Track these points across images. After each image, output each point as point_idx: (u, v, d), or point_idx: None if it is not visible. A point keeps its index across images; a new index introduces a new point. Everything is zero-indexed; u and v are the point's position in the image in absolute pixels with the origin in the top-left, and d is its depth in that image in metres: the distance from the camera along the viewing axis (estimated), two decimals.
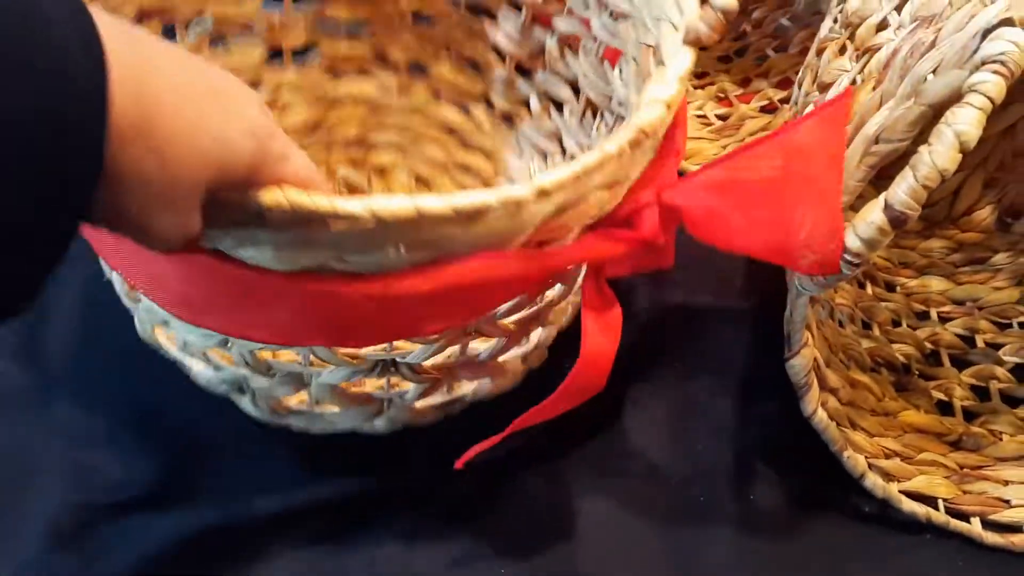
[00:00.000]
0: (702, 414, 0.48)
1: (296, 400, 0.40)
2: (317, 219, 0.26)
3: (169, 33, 0.47)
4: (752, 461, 0.46)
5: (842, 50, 0.43)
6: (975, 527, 0.45)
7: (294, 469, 0.42)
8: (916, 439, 0.48)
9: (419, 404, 0.40)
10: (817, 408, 0.42)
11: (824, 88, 0.43)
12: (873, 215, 0.30)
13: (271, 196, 0.26)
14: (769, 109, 0.69)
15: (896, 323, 0.55)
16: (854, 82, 0.40)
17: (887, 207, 0.30)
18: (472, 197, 0.27)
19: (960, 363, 0.54)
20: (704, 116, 0.69)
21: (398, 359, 0.38)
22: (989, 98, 0.29)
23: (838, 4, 0.46)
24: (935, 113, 0.32)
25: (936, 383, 0.52)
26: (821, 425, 0.42)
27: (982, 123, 0.29)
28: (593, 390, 0.37)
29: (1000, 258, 0.59)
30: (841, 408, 0.45)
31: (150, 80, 0.23)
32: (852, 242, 0.31)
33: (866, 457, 0.45)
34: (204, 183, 0.25)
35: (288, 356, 0.40)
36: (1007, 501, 0.47)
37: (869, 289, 0.56)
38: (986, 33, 0.31)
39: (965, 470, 0.48)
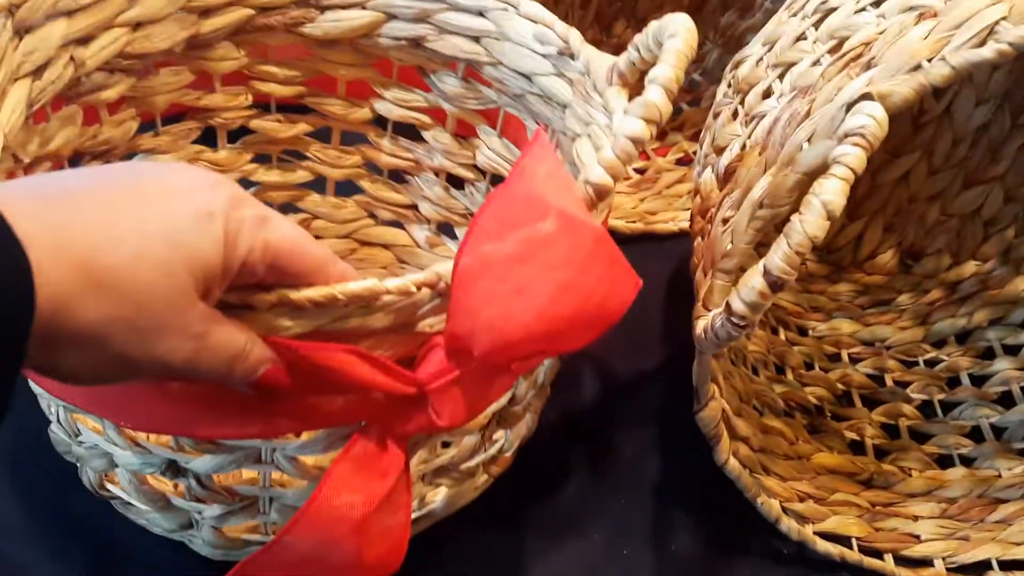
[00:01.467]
0: (625, 468, 0.50)
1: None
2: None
3: None
4: (672, 512, 0.48)
5: (735, 115, 0.46)
6: (888, 564, 0.47)
7: None
8: (829, 480, 0.50)
9: None
10: (729, 457, 0.44)
11: (719, 151, 0.45)
12: (754, 280, 0.33)
13: None
14: (684, 161, 0.73)
15: (809, 366, 0.58)
16: (743, 147, 0.42)
17: (766, 272, 0.32)
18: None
19: (870, 402, 0.57)
20: None
21: None
22: (851, 169, 0.32)
23: (731, 70, 0.49)
24: (810, 180, 0.34)
25: (848, 423, 0.55)
26: (734, 473, 0.44)
27: (846, 192, 0.32)
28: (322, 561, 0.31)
29: (904, 299, 0.62)
30: (753, 455, 0.47)
31: (73, 242, 0.23)
32: (737, 306, 0.33)
33: (780, 502, 0.47)
34: (189, 294, 0.25)
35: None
36: (917, 536, 0.49)
37: (782, 335, 0.59)
38: (849, 107, 0.33)
39: (877, 508, 0.50)
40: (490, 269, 0.28)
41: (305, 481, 0.35)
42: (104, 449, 0.37)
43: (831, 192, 0.31)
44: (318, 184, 0.56)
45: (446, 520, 0.44)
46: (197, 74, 0.49)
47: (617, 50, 0.77)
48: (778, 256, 0.32)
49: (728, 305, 0.34)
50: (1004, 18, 0.33)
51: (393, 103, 0.52)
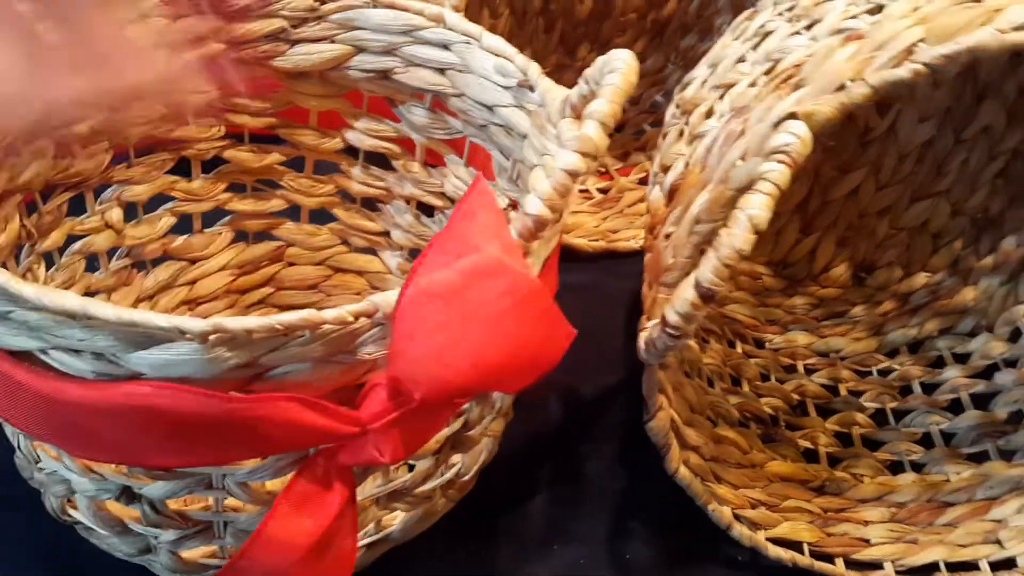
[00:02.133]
0: (587, 483, 0.49)
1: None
2: None
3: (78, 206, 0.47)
4: (629, 523, 0.47)
5: (680, 134, 0.45)
6: (839, 567, 0.46)
7: None
8: (781, 487, 0.49)
9: None
10: (679, 466, 0.43)
11: (665, 170, 0.44)
12: (686, 293, 0.32)
13: None
14: (647, 180, 0.72)
15: (765, 377, 0.57)
16: (686, 165, 0.42)
17: (697, 284, 0.31)
18: (147, 317, 0.26)
19: (824, 411, 0.56)
20: (586, 190, 0.71)
21: None
22: (776, 185, 0.31)
23: (679, 91, 0.48)
24: (742, 196, 0.33)
25: (802, 432, 0.54)
26: (685, 481, 0.43)
27: (771, 207, 0.31)
28: None
29: (858, 311, 0.61)
30: (705, 464, 0.45)
31: None
32: (671, 317, 0.32)
33: (732, 509, 0.45)
34: None
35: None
36: (867, 540, 0.48)
37: (739, 347, 0.58)
38: (776, 125, 0.33)
39: (828, 513, 0.49)
40: (428, 307, 0.27)
41: (257, 506, 0.34)
42: (62, 476, 0.36)
43: (756, 207, 0.31)
44: (293, 212, 0.55)
45: (412, 541, 0.43)
46: (169, 107, 0.48)
47: (581, 73, 0.76)
48: (708, 269, 0.31)
49: (663, 317, 0.33)
50: (922, 40, 0.33)
51: (364, 133, 0.51)
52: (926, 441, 0.54)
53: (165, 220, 0.51)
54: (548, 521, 0.47)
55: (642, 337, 0.36)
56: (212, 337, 0.27)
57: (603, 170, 0.74)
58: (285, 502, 0.29)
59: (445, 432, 0.37)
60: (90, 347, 0.28)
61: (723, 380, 0.54)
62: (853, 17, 0.38)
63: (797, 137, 0.31)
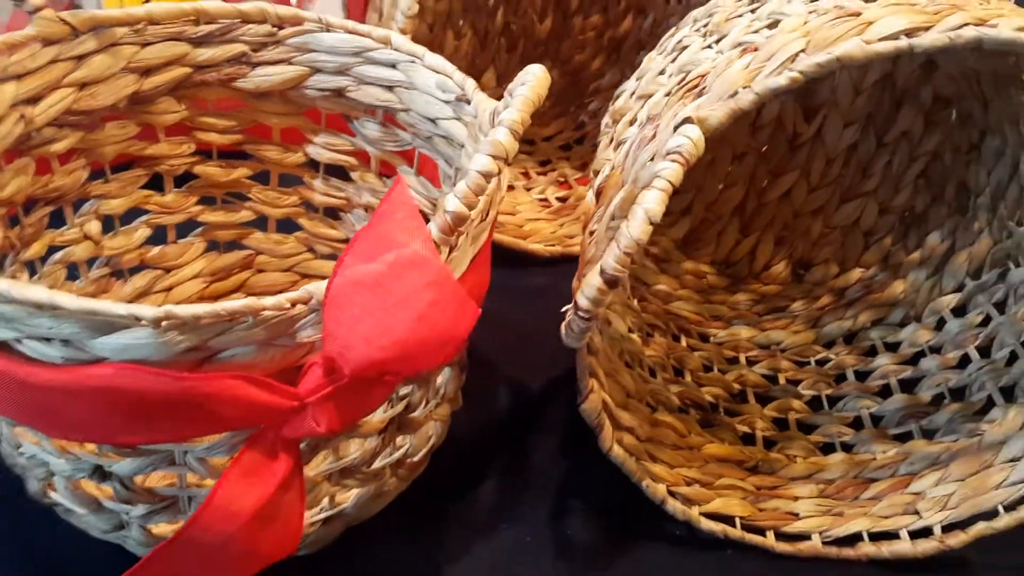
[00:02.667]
0: (532, 468, 0.52)
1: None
2: None
3: (58, 219, 0.51)
4: (570, 503, 0.50)
5: (610, 142, 0.49)
6: (769, 539, 0.49)
7: None
8: (716, 467, 0.52)
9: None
10: (613, 445, 0.46)
11: (596, 174, 0.48)
12: (593, 279, 0.35)
13: None
14: None
15: (708, 368, 0.60)
16: (612, 169, 0.45)
17: (602, 272, 0.35)
18: (106, 305, 0.30)
19: (764, 400, 0.59)
20: (545, 199, 0.75)
21: None
22: (670, 181, 0.34)
23: (612, 102, 0.52)
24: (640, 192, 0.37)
25: (740, 418, 0.57)
26: (619, 459, 0.46)
27: (664, 200, 0.34)
28: (227, 568, 0.34)
29: (797, 306, 0.65)
30: (639, 444, 0.49)
31: None
32: (582, 302, 0.36)
33: (667, 486, 0.49)
34: None
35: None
36: (796, 514, 0.51)
37: (683, 341, 0.61)
38: (676, 129, 0.36)
39: (761, 491, 0.52)
40: (355, 294, 0.31)
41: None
42: (41, 459, 0.39)
43: (651, 201, 0.34)
44: (260, 223, 0.58)
45: (370, 521, 0.46)
46: (142, 126, 0.52)
47: None
48: (611, 257, 0.35)
49: (575, 302, 0.36)
50: (803, 50, 0.36)
51: (323, 147, 0.55)
52: (857, 424, 0.57)
53: (141, 232, 0.55)
54: (495, 504, 0.50)
55: (563, 323, 0.39)
56: (164, 323, 0.30)
57: (562, 180, 0.78)
58: (233, 472, 0.32)
59: (390, 413, 0.40)
60: (58, 335, 0.31)
61: (666, 371, 0.57)
62: (754, 32, 0.41)
63: (690, 139, 0.35)
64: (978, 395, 0.54)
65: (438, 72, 0.47)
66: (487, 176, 0.33)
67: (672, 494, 0.49)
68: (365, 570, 0.46)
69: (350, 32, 0.49)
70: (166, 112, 0.52)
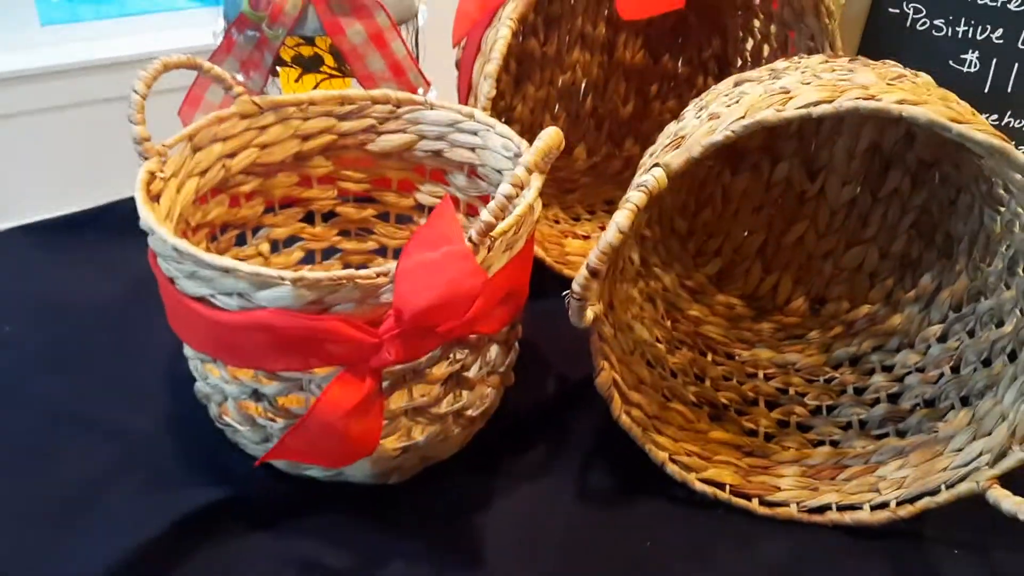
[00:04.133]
0: (567, 435, 0.66)
1: None
2: None
3: (241, 239, 0.70)
4: (595, 461, 0.64)
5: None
6: (753, 504, 0.61)
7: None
8: (716, 447, 0.65)
9: (384, 442, 0.58)
10: (621, 414, 0.59)
11: None
12: (582, 270, 0.50)
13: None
14: None
15: (727, 379, 0.72)
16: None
17: (587, 265, 0.50)
18: (265, 270, 0.47)
19: (772, 405, 0.70)
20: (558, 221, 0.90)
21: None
22: (636, 204, 0.49)
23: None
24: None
25: (747, 417, 0.69)
26: (626, 426, 0.60)
27: (632, 219, 0.49)
28: (329, 452, 0.50)
29: (813, 334, 0.76)
30: (647, 419, 0.62)
31: None
32: (574, 286, 0.51)
33: (669, 454, 0.62)
34: None
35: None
36: (779, 488, 0.62)
37: (709, 357, 0.74)
38: (649, 169, 0.51)
39: (753, 469, 0.64)
40: (414, 270, 0.47)
41: None
42: (220, 386, 0.57)
43: (621, 217, 0.49)
44: (382, 251, 0.76)
45: (439, 465, 0.62)
46: (301, 176, 0.71)
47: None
48: (593, 255, 0.50)
49: (572, 287, 0.51)
50: (741, 117, 0.51)
51: (427, 194, 0.73)
52: (848, 427, 0.68)
53: (296, 253, 0.74)
54: (540, 460, 0.64)
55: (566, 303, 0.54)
56: (298, 283, 0.47)
57: None
58: (336, 383, 0.49)
59: (448, 370, 0.56)
60: (235, 290, 0.49)
61: (687, 376, 0.70)
62: (724, 106, 0.56)
63: (654, 177, 0.50)
64: (944, 403, 0.64)
65: (504, 137, 0.64)
66: (508, 197, 0.49)
67: (673, 461, 0.61)
68: (439, 500, 0.61)
69: (446, 109, 0.67)
70: (318, 167, 0.71)
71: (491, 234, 0.49)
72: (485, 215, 0.49)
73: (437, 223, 0.48)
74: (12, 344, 0.73)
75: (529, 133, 0.93)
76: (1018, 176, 0.47)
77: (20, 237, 0.87)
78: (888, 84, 0.52)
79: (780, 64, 0.60)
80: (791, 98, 0.50)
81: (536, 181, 0.56)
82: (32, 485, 0.60)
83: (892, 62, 0.59)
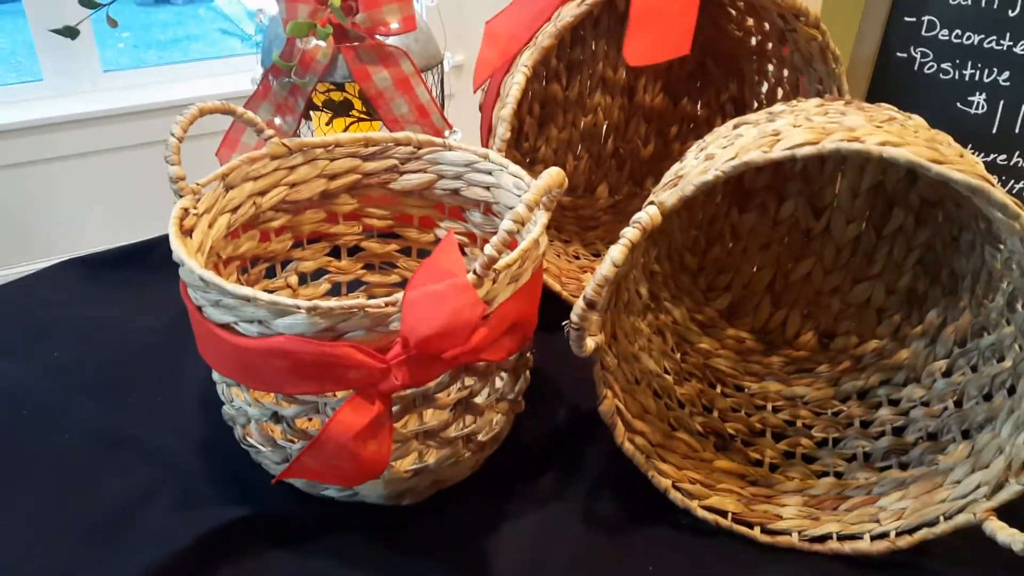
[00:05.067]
0: (576, 462, 0.68)
1: None
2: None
3: (271, 272, 0.74)
4: (603, 489, 0.65)
5: None
6: (755, 532, 0.62)
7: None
8: (720, 476, 0.66)
9: (396, 465, 0.61)
10: (624, 440, 0.61)
11: None
12: (580, 302, 0.52)
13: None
14: None
15: (736, 411, 0.74)
16: None
17: (584, 297, 0.52)
18: (281, 299, 0.50)
19: (779, 437, 0.71)
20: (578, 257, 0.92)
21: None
22: (630, 240, 0.51)
23: None
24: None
25: (753, 447, 0.70)
26: (629, 452, 0.61)
27: (625, 253, 0.51)
28: (341, 471, 0.53)
29: (822, 368, 0.77)
30: (651, 447, 0.63)
31: None
32: (573, 317, 0.53)
33: (672, 481, 0.63)
34: None
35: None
36: (780, 516, 0.63)
37: (718, 389, 0.75)
38: (645, 206, 0.53)
39: (756, 498, 0.65)
40: (420, 300, 0.50)
41: None
42: (243, 409, 0.60)
43: (616, 252, 0.51)
44: (405, 284, 0.79)
45: (451, 488, 0.64)
46: (328, 213, 0.75)
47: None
48: (590, 287, 0.52)
49: (570, 317, 0.53)
50: (732, 158, 0.53)
51: (447, 230, 0.76)
52: (852, 459, 0.68)
53: (324, 286, 0.77)
54: (549, 486, 0.66)
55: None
56: (312, 311, 0.50)
57: None
58: (347, 405, 0.52)
59: (456, 396, 0.58)
60: (255, 317, 0.52)
61: (695, 407, 0.72)
62: (722, 147, 0.58)
63: (648, 214, 0.52)
64: (946, 436, 0.65)
65: (516, 176, 0.66)
66: (510, 232, 0.51)
67: (677, 488, 0.63)
68: (450, 522, 0.63)
69: (463, 151, 0.70)
70: (344, 204, 0.75)
71: (495, 267, 0.52)
72: (488, 249, 0.51)
73: (441, 257, 0.50)
74: (61, 369, 0.78)
75: None
76: (999, 214, 0.48)
77: (74, 269, 0.92)
78: (875, 126, 0.53)
79: (778, 107, 0.62)
80: (779, 140, 0.52)
81: (541, 218, 0.59)
82: (74, 503, 0.64)
83: (887, 105, 0.61)
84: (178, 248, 0.55)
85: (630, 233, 0.52)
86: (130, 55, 3.90)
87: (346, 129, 0.88)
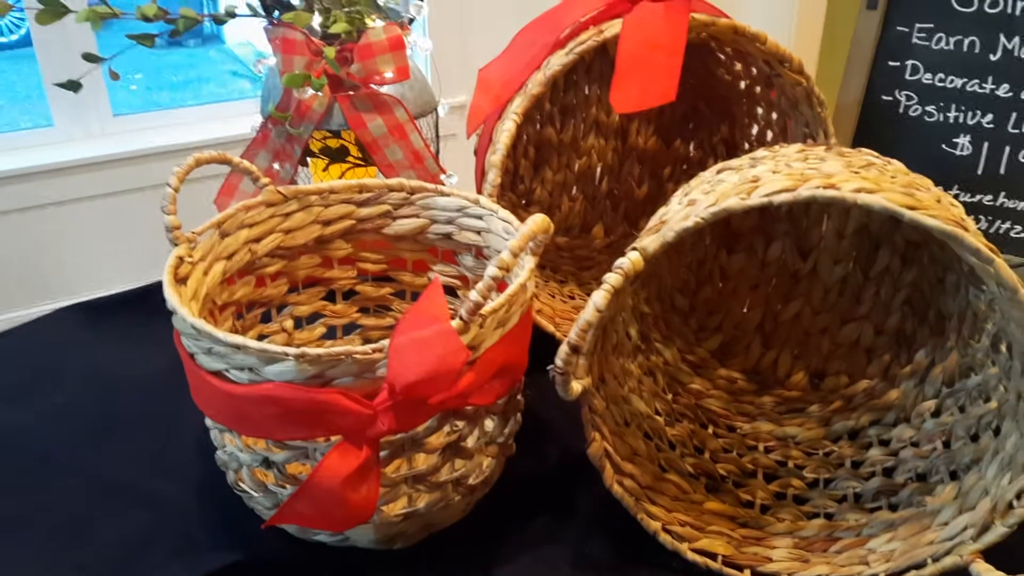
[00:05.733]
0: (567, 504, 0.68)
1: None
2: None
3: (267, 317, 0.75)
4: (594, 532, 0.65)
5: None
6: (745, 574, 0.62)
7: None
8: (711, 518, 0.66)
9: (386, 509, 0.61)
10: (613, 483, 0.61)
11: None
12: (564, 346, 0.53)
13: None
14: None
15: (727, 451, 0.74)
16: None
17: (567, 341, 0.53)
18: (271, 347, 0.51)
19: (770, 478, 0.71)
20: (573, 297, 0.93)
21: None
22: (612, 285, 0.52)
23: None
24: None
25: (745, 489, 0.70)
26: (618, 494, 0.62)
27: (607, 298, 0.52)
28: (330, 516, 0.53)
29: (813, 408, 0.77)
30: (641, 489, 0.64)
31: None
32: (557, 361, 0.54)
33: (662, 524, 0.63)
34: None
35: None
36: (771, 559, 0.63)
37: (710, 429, 0.75)
38: (630, 251, 0.54)
39: (746, 540, 0.65)
40: (406, 347, 0.51)
41: None
42: (235, 455, 0.61)
43: (599, 297, 0.52)
44: None
45: (442, 532, 0.64)
46: (323, 258, 0.76)
47: None
48: (573, 332, 0.53)
49: (555, 361, 0.54)
50: (712, 204, 0.54)
51: (440, 274, 0.77)
52: (843, 500, 0.68)
53: (319, 329, 0.78)
54: (541, 528, 0.66)
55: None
56: (301, 359, 0.51)
57: None
58: (335, 451, 0.52)
59: (445, 440, 0.59)
60: (245, 364, 0.53)
61: (686, 447, 0.72)
62: (704, 192, 0.59)
63: (630, 260, 0.53)
64: (935, 477, 0.65)
65: (505, 221, 0.68)
66: (494, 278, 0.52)
67: (666, 531, 0.63)
68: (441, 566, 0.63)
69: (455, 196, 0.71)
70: (339, 249, 0.76)
71: (481, 312, 0.53)
72: (474, 295, 0.52)
73: (427, 303, 0.51)
74: (61, 415, 0.79)
75: (549, 214, 0.97)
76: (972, 259, 0.49)
77: (74, 314, 0.94)
78: (853, 172, 0.54)
79: (760, 153, 0.63)
80: (758, 186, 0.53)
81: (528, 262, 0.59)
82: (74, 549, 0.64)
83: (867, 150, 0.62)
84: (171, 297, 0.56)
85: (612, 279, 0.53)
86: (142, 97, 3.97)
87: (343, 175, 0.89)
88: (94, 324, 0.93)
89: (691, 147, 1.04)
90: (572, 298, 0.96)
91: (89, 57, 0.76)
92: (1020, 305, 0.48)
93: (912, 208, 0.49)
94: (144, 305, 0.95)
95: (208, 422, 0.63)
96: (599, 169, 1.04)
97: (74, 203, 1.93)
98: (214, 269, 0.67)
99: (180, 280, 0.61)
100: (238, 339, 0.52)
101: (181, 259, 0.61)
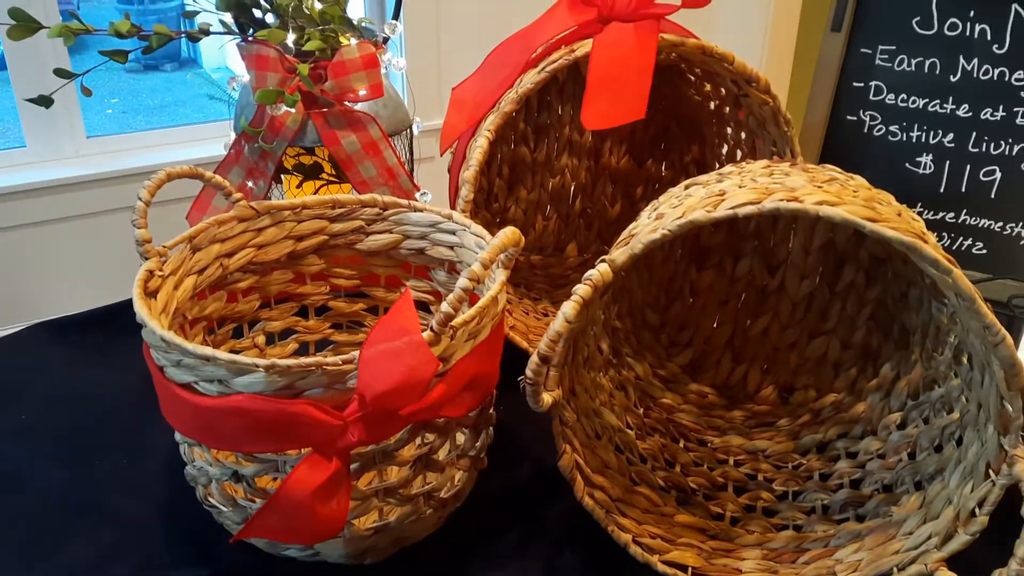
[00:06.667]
0: (538, 518, 0.68)
1: None
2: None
3: (239, 332, 0.75)
4: (565, 546, 0.65)
5: None
6: None
7: None
8: (681, 531, 0.66)
9: (356, 523, 0.61)
10: (584, 496, 0.62)
11: None
12: (534, 357, 0.53)
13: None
14: None
15: (698, 464, 0.74)
16: None
17: (538, 353, 0.53)
18: (240, 358, 0.50)
19: (740, 491, 0.72)
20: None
21: None
22: (581, 296, 0.53)
23: None
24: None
25: (715, 502, 0.70)
26: (589, 507, 0.62)
27: (577, 309, 0.53)
28: (299, 530, 0.53)
29: (783, 422, 0.78)
30: (611, 502, 0.64)
31: None
32: (527, 372, 0.54)
33: (632, 536, 0.63)
34: None
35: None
36: (740, 571, 0.63)
37: (681, 443, 0.76)
38: (598, 264, 0.55)
39: (716, 552, 0.65)
40: (376, 358, 0.51)
41: None
42: (204, 469, 0.60)
43: (568, 308, 0.53)
44: None
45: (414, 547, 0.64)
46: (295, 274, 0.76)
47: None
48: (543, 343, 0.53)
49: (525, 372, 0.54)
50: (679, 217, 0.54)
51: (413, 289, 0.77)
52: (811, 512, 0.69)
53: (291, 345, 0.78)
54: (512, 543, 0.66)
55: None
56: (271, 370, 0.51)
57: None
58: (305, 463, 0.52)
59: (416, 452, 0.59)
60: (214, 376, 0.53)
61: (657, 461, 0.72)
62: (672, 207, 0.60)
63: (599, 272, 0.54)
64: (900, 488, 0.65)
65: (477, 236, 0.68)
66: (465, 290, 0.53)
67: (637, 543, 0.63)
68: None
69: (427, 211, 0.72)
70: (311, 265, 0.76)
71: (451, 324, 0.53)
72: (444, 307, 0.52)
73: (397, 315, 0.52)
74: (26, 433, 0.78)
75: (523, 232, 0.98)
76: (932, 270, 0.50)
77: (40, 333, 0.93)
78: (816, 187, 0.55)
79: (727, 169, 0.65)
80: (724, 200, 0.54)
81: (500, 275, 0.60)
82: (39, 567, 0.63)
83: (830, 166, 0.63)
84: (141, 309, 0.56)
85: (581, 290, 0.53)
86: (118, 120, 3.95)
87: (316, 191, 0.90)
88: (61, 342, 0.92)
89: (663, 167, 1.05)
90: (546, 315, 0.96)
91: (61, 73, 0.76)
92: (978, 315, 0.49)
93: (873, 220, 0.50)
94: (112, 324, 0.94)
95: (177, 437, 0.62)
96: (572, 188, 1.06)
97: (47, 224, 1.91)
98: (185, 283, 0.66)
99: (150, 293, 0.60)
100: (207, 350, 0.52)
101: (151, 272, 0.61)
